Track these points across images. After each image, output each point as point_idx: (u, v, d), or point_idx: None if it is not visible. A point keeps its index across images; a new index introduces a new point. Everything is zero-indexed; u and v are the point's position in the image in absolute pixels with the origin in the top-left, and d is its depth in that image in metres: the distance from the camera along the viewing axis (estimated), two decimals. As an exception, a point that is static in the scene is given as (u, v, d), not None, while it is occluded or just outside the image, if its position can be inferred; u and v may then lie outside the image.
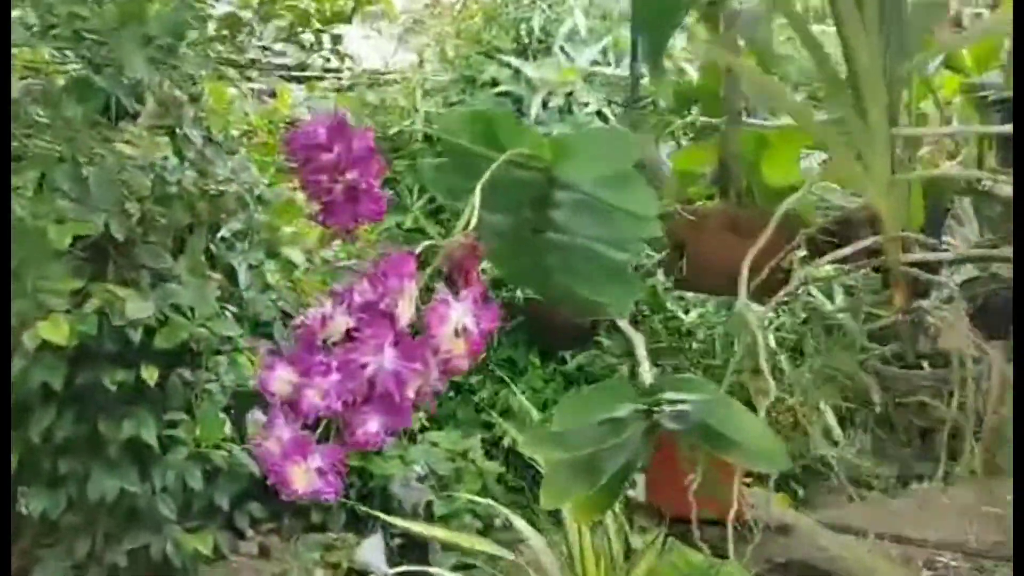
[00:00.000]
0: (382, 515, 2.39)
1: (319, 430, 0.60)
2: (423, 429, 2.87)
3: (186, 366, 1.81)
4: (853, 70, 0.90)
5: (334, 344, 0.60)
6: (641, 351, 1.13)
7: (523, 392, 2.76)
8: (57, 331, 2.08)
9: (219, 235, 1.69)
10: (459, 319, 0.59)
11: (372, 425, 0.60)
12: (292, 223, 1.59)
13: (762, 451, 0.87)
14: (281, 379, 0.59)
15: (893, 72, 0.90)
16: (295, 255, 1.73)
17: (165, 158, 1.36)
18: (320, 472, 0.58)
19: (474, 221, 0.63)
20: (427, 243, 0.62)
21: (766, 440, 0.88)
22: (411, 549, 2.64)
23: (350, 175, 0.59)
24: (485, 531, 2.81)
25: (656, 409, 0.89)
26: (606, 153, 0.76)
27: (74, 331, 2.05)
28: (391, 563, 2.71)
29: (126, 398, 2.26)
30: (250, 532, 2.74)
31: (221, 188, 1.39)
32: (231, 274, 1.83)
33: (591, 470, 0.87)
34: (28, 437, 2.26)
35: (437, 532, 1.72)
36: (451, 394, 3.04)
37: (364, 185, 0.60)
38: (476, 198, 0.64)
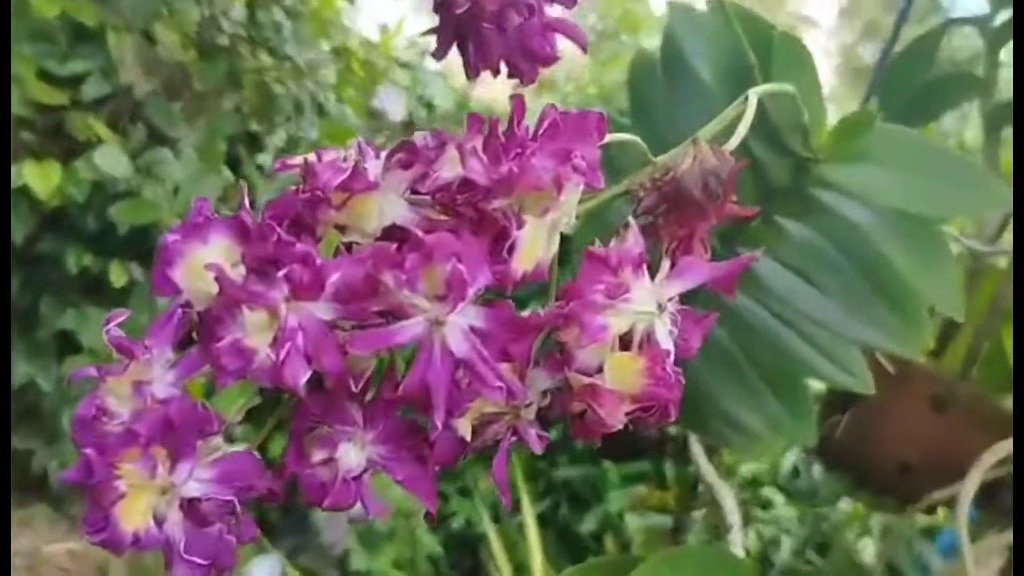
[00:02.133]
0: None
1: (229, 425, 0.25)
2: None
3: (145, 264, 1.47)
4: None
5: (346, 248, 0.26)
6: (731, 509, 0.77)
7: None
8: (45, 180, 1.74)
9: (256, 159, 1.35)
10: (645, 313, 0.25)
11: (350, 453, 0.25)
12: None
13: None
14: (197, 261, 0.24)
15: None
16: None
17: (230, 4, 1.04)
18: (192, 511, 0.23)
19: (742, 132, 0.29)
20: (621, 136, 0.28)
21: None
22: (306, 587, 2.22)
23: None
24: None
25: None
26: (937, 181, 0.42)
27: (62, 190, 1.71)
28: (279, 595, 2.29)
29: (81, 287, 1.92)
30: (147, 491, 2.36)
31: (282, 82, 1.07)
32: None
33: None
34: (-39, 281, 1.92)
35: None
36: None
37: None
38: (752, 97, 0.30)
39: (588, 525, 1.37)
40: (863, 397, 0.82)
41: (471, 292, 0.23)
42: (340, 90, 1.22)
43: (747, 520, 1.10)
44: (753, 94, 0.31)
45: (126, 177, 1.12)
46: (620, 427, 0.25)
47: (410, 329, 0.23)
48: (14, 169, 1.68)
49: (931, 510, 0.71)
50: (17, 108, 1.11)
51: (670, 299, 0.26)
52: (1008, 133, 0.86)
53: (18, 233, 1.82)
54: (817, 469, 1.23)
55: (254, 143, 1.33)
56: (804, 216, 0.48)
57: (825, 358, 0.54)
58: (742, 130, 0.29)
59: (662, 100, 0.49)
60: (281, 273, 0.23)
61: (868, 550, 1.14)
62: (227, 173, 1.07)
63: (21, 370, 1.99)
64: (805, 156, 0.45)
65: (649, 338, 0.25)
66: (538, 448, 0.26)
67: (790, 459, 1.63)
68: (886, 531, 1.16)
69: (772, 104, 0.43)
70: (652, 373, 0.24)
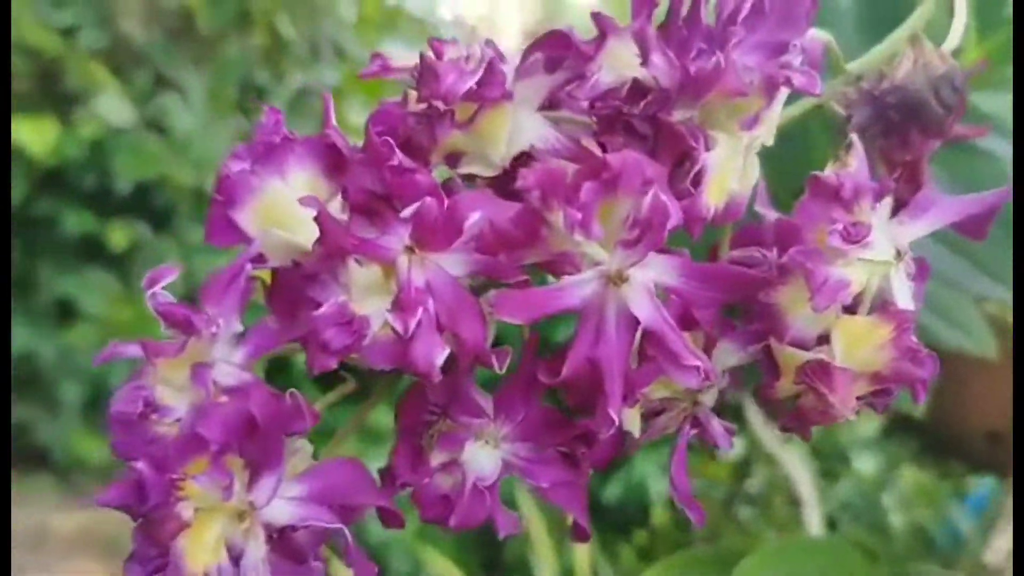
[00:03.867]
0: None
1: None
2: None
3: (153, 225, 1.38)
4: None
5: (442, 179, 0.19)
6: (803, 480, 0.71)
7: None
8: (41, 136, 1.67)
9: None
10: (882, 263, 0.18)
11: (480, 455, 0.19)
12: (371, 98, 1.08)
13: None
14: (274, 197, 0.18)
15: None
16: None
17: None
18: (283, 543, 0.17)
19: (960, 26, 0.22)
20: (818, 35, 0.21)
21: None
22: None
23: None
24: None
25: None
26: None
27: (59, 149, 1.64)
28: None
29: (81, 250, 1.84)
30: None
31: (296, 23, 0.99)
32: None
33: None
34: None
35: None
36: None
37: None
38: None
39: (614, 491, 1.31)
40: (949, 360, 0.76)
41: (657, 237, 0.16)
42: (361, 32, 1.12)
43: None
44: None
45: (129, 127, 1.04)
46: (852, 416, 0.18)
47: (582, 288, 0.17)
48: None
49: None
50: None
51: (902, 241, 0.19)
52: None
53: (14, 194, 1.75)
54: (844, 433, 1.18)
55: (260, 95, 1.23)
56: (936, 156, 0.41)
57: (938, 316, 0.48)
58: (959, 25, 0.23)
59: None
60: (408, 212, 0.16)
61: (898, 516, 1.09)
62: (242, 121, 0.99)
63: (19, 338, 1.92)
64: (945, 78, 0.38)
65: (889, 296, 0.18)
66: (727, 445, 0.20)
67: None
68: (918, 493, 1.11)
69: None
70: (899, 344, 0.18)
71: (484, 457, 0.19)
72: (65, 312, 1.98)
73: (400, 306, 0.16)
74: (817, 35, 0.22)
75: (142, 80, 1.06)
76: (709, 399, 0.20)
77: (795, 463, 0.71)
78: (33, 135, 1.59)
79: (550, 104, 0.21)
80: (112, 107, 1.01)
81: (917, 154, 0.20)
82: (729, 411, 1.01)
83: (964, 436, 0.69)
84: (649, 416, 0.20)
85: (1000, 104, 0.39)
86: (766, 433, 0.77)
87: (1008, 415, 0.67)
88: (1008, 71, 0.38)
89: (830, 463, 1.19)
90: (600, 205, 0.16)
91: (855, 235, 0.17)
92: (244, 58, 1.04)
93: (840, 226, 0.17)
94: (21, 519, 2.04)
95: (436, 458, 0.19)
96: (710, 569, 0.41)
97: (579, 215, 0.16)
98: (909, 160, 0.20)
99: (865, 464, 1.00)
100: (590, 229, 0.16)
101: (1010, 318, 0.65)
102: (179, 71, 1.05)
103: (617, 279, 0.17)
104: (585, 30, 0.20)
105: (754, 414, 0.78)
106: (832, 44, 0.22)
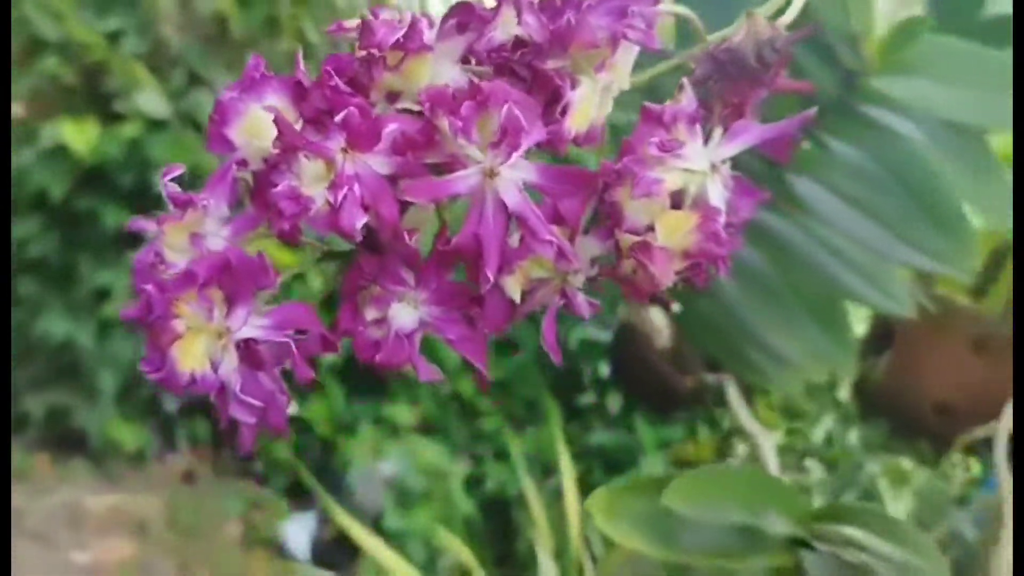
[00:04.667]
0: (329, 499, 2.00)
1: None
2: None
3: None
4: None
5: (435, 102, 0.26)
6: (769, 451, 0.77)
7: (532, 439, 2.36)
8: (82, 135, 1.76)
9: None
10: (698, 172, 0.25)
11: (403, 312, 0.26)
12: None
13: None
14: (254, 117, 0.25)
15: None
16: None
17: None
18: (248, 353, 0.24)
19: (798, 4, 0.29)
20: (674, 8, 0.28)
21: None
22: (344, 547, 2.25)
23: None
24: (427, 566, 2.40)
25: (820, 545, 0.52)
26: (990, 92, 0.41)
27: (100, 148, 1.74)
28: (317, 553, 2.32)
29: (119, 244, 1.94)
30: (184, 448, 2.40)
31: (319, 29, 1.09)
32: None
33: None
34: None
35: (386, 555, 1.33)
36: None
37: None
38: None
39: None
40: (902, 339, 0.82)
41: (525, 142, 0.23)
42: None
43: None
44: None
45: (165, 120, 1.13)
46: (669, 284, 0.25)
47: (464, 180, 0.23)
48: (51, 128, 1.71)
49: (967, 451, 0.70)
50: (54, 63, 1.13)
51: (723, 161, 0.26)
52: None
53: (57, 190, 1.84)
54: (853, 437, 1.23)
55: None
56: (852, 135, 0.47)
57: (868, 283, 0.54)
58: (798, 3, 0.29)
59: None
60: (338, 118, 0.23)
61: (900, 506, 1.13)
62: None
63: (59, 326, 2.02)
64: (854, 68, 0.44)
65: (703, 200, 0.25)
66: (586, 313, 0.26)
67: (823, 427, 1.61)
68: (917, 495, 1.14)
69: (820, 11, 0.42)
70: (704, 228, 0.24)
71: (405, 315, 0.26)
72: (104, 302, 2.07)
73: (333, 186, 0.23)
74: (679, 11, 0.29)
75: (178, 80, 1.15)
76: (577, 281, 0.26)
77: (763, 436, 0.76)
78: (75, 135, 1.68)
79: (476, 59, 0.27)
80: (150, 102, 1.10)
81: (744, 98, 0.27)
82: (713, 393, 1.07)
83: (916, 409, 0.75)
84: (531, 291, 0.26)
85: (904, 88, 0.45)
86: (742, 411, 0.83)
87: (956, 388, 0.73)
88: (908, 55, 0.44)
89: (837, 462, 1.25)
90: (477, 119, 0.23)
91: (668, 147, 0.24)
92: (273, 61, 1.13)
93: (657, 140, 0.24)
94: (59, 499, 2.14)
95: (369, 314, 0.26)
96: (649, 490, 0.48)
97: (460, 124, 0.23)
98: (737, 102, 0.27)
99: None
100: (470, 135, 0.23)
101: (957, 299, 0.71)
102: (212, 73, 1.13)
103: (491, 174, 0.23)
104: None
105: (735, 398, 0.84)
106: (694, 19, 0.29)
